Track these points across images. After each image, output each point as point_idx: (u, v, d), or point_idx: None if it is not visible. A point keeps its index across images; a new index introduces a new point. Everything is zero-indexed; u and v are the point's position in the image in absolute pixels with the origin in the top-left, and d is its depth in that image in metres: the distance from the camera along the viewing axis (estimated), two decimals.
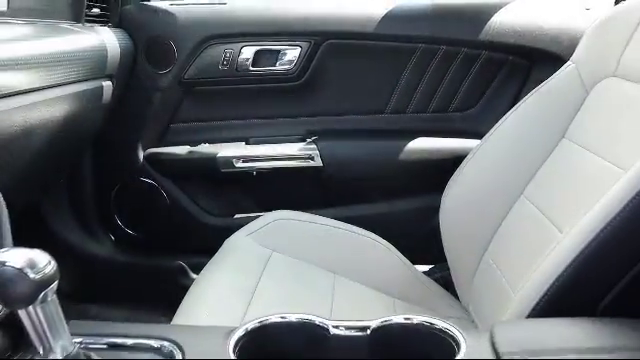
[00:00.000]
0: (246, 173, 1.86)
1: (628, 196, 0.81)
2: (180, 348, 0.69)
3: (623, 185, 0.83)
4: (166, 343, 0.71)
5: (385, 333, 0.71)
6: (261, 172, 1.86)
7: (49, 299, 0.61)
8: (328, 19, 1.85)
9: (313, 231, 1.51)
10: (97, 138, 1.75)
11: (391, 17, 1.82)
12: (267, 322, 0.73)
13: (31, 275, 0.59)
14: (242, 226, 1.50)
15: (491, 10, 1.82)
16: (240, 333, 0.70)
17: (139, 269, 1.94)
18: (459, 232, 1.43)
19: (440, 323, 0.70)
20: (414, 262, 1.51)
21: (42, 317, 0.61)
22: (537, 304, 0.84)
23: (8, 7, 1.15)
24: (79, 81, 1.39)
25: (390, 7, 1.83)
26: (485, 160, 1.43)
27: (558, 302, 0.84)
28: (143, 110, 1.85)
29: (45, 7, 1.35)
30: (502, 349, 0.63)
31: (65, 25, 1.41)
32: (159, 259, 1.90)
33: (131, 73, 1.78)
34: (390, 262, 1.48)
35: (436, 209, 1.49)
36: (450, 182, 1.47)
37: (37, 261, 0.60)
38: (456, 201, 1.46)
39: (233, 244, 1.41)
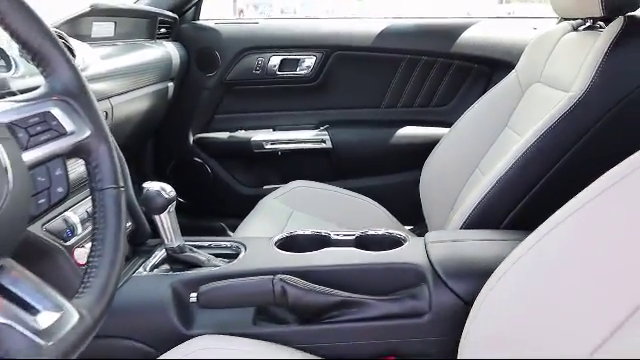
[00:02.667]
0: (273, 153, 2.10)
1: (520, 152, 1.12)
2: (244, 245, 1.06)
3: (519, 146, 1.14)
4: (234, 243, 1.08)
5: (364, 238, 1.08)
6: (284, 152, 2.10)
7: (171, 210, 0.99)
8: (336, 35, 2.08)
9: (324, 196, 1.71)
10: (158, 126, 2.01)
11: (384, 34, 2.05)
12: (294, 233, 1.11)
13: (164, 194, 0.97)
14: (269, 194, 1.70)
15: (460, 29, 2.04)
16: (278, 237, 1.08)
17: (187, 230, 2.18)
18: (433, 198, 1.64)
19: (395, 232, 1.08)
20: (402, 222, 1.71)
21: (168, 220, 0.99)
22: (462, 224, 1.15)
23: (115, 33, 1.51)
24: (155, 83, 1.70)
25: (384, 26, 2.06)
26: (452, 144, 1.64)
27: (476, 221, 1.14)
28: (194, 104, 2.09)
29: (132, 30, 1.66)
30: (427, 240, 1.01)
31: (145, 42, 1.72)
32: (204, 221, 2.13)
33: (185, 76, 2.03)
34: (382, 221, 1.65)
35: (418, 181, 1.70)
36: (427, 160, 1.69)
37: (166, 187, 0.98)
38: (431, 175, 1.68)
39: (264, 205, 1.63)
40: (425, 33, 2.08)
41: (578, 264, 0.66)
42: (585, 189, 0.70)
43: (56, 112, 0.62)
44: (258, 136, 2.10)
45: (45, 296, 0.51)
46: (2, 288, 0.49)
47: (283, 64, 2.08)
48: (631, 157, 0.67)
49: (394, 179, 2.09)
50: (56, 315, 0.50)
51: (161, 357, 0.86)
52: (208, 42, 2.06)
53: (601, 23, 1.33)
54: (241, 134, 2.12)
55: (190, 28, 2.09)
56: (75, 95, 0.64)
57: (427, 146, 1.73)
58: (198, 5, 2.08)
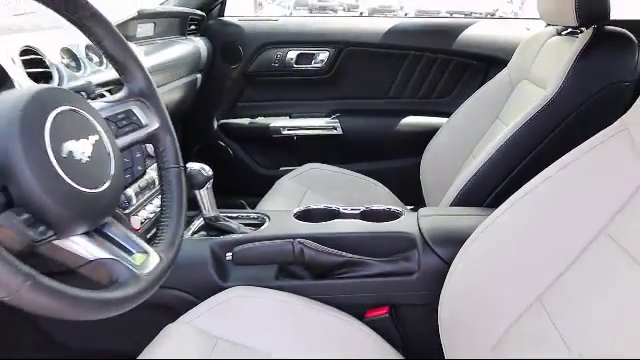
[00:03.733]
0: (289, 138, 2.23)
1: (502, 141, 1.27)
2: (267, 216, 1.24)
3: (501, 135, 1.29)
4: (259, 214, 1.26)
5: (368, 212, 1.25)
6: (299, 137, 2.23)
7: (209, 187, 1.18)
8: (347, 33, 2.19)
9: (334, 177, 1.83)
10: (186, 113, 2.13)
11: (391, 32, 2.16)
12: (310, 207, 1.28)
13: (204, 173, 1.15)
14: (285, 175, 1.82)
15: (460, 28, 2.15)
16: (297, 210, 1.26)
17: None
18: (432, 180, 1.77)
19: (394, 207, 1.26)
20: (403, 201, 1.79)
21: (207, 195, 1.17)
22: (452, 201, 1.31)
23: (154, 32, 1.69)
24: (186, 75, 1.86)
25: (391, 25, 2.17)
26: (450, 132, 1.77)
27: (463, 199, 1.29)
28: (218, 93, 2.23)
29: (168, 29, 1.81)
30: (419, 214, 1.19)
31: (178, 39, 1.88)
32: (226, 199, 2.08)
33: (211, 68, 2.17)
34: (386, 200, 1.74)
35: (418, 165, 1.82)
36: (427, 146, 1.82)
37: (205, 167, 1.16)
38: (430, 159, 1.80)
39: (280, 184, 1.76)
40: (428, 32, 2.19)
41: (526, 233, 0.85)
42: (536, 176, 0.88)
43: (135, 110, 0.81)
44: (276, 122, 2.23)
45: (136, 243, 0.70)
46: (109, 237, 0.68)
47: (299, 58, 2.21)
48: (574, 149, 0.85)
49: (397, 163, 2.21)
50: (144, 256, 0.70)
51: (202, 303, 1.05)
52: (232, 37, 2.19)
53: (583, 28, 1.42)
54: (261, 120, 2.26)
55: (216, 24, 2.22)
56: (148, 96, 0.84)
57: (428, 134, 1.86)
58: (223, 3, 2.22)
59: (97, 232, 0.67)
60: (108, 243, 0.67)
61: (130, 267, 0.66)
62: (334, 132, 2.23)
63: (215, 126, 2.27)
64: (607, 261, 0.74)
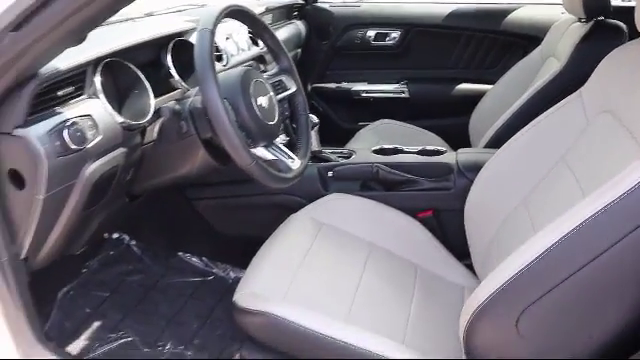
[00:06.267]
0: (367, 99, 2.60)
1: (524, 100, 1.68)
2: (354, 151, 1.69)
3: (524, 95, 1.70)
4: (349, 150, 1.73)
5: (423, 150, 1.68)
6: (375, 99, 2.60)
7: (316, 130, 1.66)
8: (415, 16, 2.54)
9: (401, 130, 2.21)
10: None
11: (450, 16, 2.49)
12: (383, 146, 1.73)
13: (313, 120, 1.62)
14: (362, 128, 2.22)
15: (506, 12, 2.44)
16: (374, 148, 1.73)
17: None
18: (478, 134, 2.05)
19: (440, 147, 1.70)
20: (453, 148, 1.96)
21: (314, 135, 1.66)
22: (485, 144, 1.73)
23: (272, 20, 2.17)
24: (291, 50, 2.31)
25: (450, 9, 2.48)
26: (494, 96, 2.12)
27: (492, 143, 1.68)
28: (312, 63, 2.63)
29: (279, 16, 2.26)
30: (458, 152, 1.63)
31: (285, 23, 2.34)
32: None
33: (307, 43, 2.58)
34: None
35: (468, 122, 2.18)
36: (476, 107, 2.18)
37: (314, 117, 1.62)
38: (478, 117, 2.15)
39: (359, 135, 2.17)
40: (479, 15, 2.49)
41: (517, 159, 1.30)
42: (528, 125, 1.31)
43: (283, 79, 1.33)
44: (356, 87, 2.61)
45: (286, 152, 1.22)
46: (275, 148, 1.20)
47: (376, 36, 2.57)
48: (550, 109, 1.28)
49: (452, 120, 2.46)
50: (293, 160, 1.22)
51: (312, 203, 1.54)
52: (324, 19, 2.59)
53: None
54: (344, 85, 2.63)
55: (312, 9, 2.64)
56: (289, 72, 1.35)
57: (477, 97, 2.21)
58: None
59: (269, 145, 1.19)
60: (275, 152, 1.19)
61: (288, 163, 1.18)
62: (402, 95, 2.58)
63: (309, 89, 2.69)
64: (562, 177, 1.17)
